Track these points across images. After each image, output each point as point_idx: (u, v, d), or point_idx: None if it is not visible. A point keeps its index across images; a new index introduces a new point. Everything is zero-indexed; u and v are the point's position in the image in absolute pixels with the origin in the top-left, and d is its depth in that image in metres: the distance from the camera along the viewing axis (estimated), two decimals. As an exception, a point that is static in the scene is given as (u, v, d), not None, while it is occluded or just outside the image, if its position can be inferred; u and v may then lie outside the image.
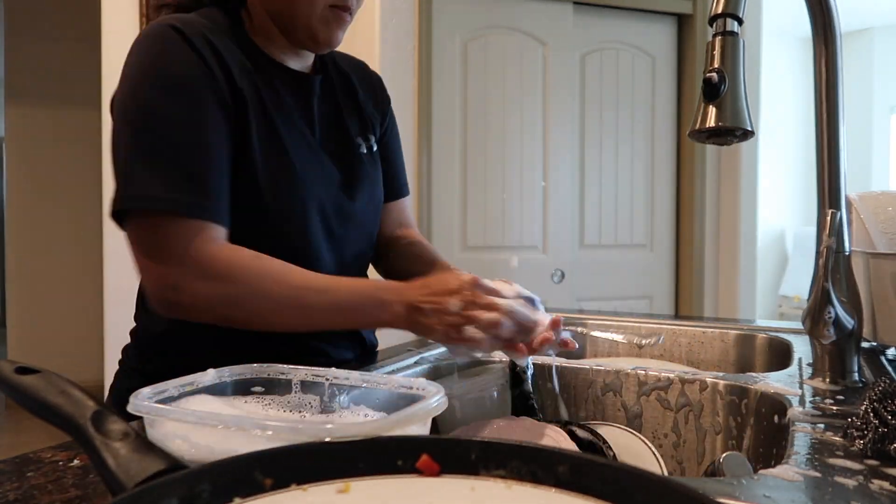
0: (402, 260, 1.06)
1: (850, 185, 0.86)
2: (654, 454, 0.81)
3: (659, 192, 3.15)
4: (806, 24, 0.85)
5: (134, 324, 0.98)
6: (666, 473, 0.80)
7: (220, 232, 0.80)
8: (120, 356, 1.00)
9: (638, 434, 0.85)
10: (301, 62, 0.96)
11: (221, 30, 0.88)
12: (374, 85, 1.09)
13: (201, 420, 0.49)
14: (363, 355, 1.03)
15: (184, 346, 0.89)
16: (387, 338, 1.09)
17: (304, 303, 0.78)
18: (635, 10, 3.06)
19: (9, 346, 4.38)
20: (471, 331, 0.72)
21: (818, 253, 0.80)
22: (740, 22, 0.75)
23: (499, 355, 1.04)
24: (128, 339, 0.99)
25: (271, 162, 0.86)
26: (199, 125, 0.80)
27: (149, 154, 0.78)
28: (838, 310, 0.79)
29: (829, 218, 0.81)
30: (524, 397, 0.87)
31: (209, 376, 0.61)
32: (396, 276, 0.98)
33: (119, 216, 0.80)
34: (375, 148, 1.03)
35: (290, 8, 0.87)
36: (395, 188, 1.11)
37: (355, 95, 1.03)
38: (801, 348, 1.05)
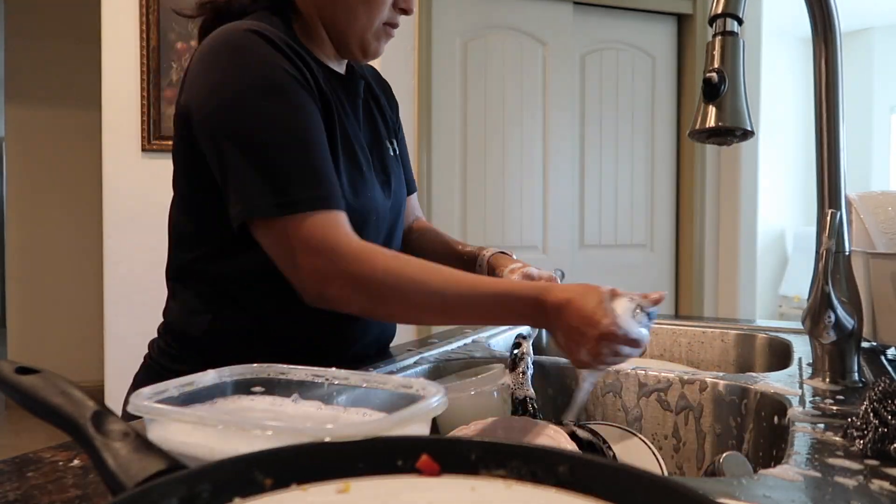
0: (421, 246, 1.14)
1: (850, 185, 0.86)
2: (654, 454, 0.81)
3: (659, 192, 3.15)
4: (806, 24, 0.85)
5: (162, 318, 0.98)
6: (666, 473, 0.80)
7: (346, 220, 0.83)
8: (146, 350, 0.99)
9: (638, 434, 0.85)
10: (340, 68, 0.99)
11: (283, 35, 0.88)
12: (387, 91, 1.14)
13: (201, 420, 0.49)
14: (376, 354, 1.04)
15: (222, 350, 0.89)
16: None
17: (446, 306, 0.80)
18: (635, 10, 3.06)
19: (9, 346, 4.38)
20: (598, 366, 0.74)
21: (818, 254, 0.80)
22: (740, 22, 0.75)
23: (499, 354, 1.04)
24: (129, 339, 0.99)
25: (347, 162, 0.90)
26: (307, 125, 0.82)
27: (270, 161, 0.79)
28: (838, 310, 0.79)
29: (829, 218, 0.81)
30: (524, 397, 0.87)
31: (209, 376, 0.61)
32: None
33: (245, 225, 0.82)
34: (398, 150, 1.09)
35: (349, 21, 0.90)
36: (408, 184, 1.16)
37: (379, 100, 1.07)
38: (801, 348, 1.05)
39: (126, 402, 0.92)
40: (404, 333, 2.46)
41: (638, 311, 0.74)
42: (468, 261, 1.07)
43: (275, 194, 0.79)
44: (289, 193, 0.79)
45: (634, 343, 0.72)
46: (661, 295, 0.76)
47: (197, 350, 0.92)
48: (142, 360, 0.99)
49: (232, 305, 0.91)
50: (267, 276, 0.84)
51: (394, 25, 0.94)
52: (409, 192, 1.17)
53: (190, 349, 0.93)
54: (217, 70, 0.82)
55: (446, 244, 1.13)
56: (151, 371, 0.95)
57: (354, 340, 0.97)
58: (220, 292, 0.91)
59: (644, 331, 0.73)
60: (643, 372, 0.96)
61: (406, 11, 0.94)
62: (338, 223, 0.80)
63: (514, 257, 1.03)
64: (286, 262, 0.81)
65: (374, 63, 1.08)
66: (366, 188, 0.93)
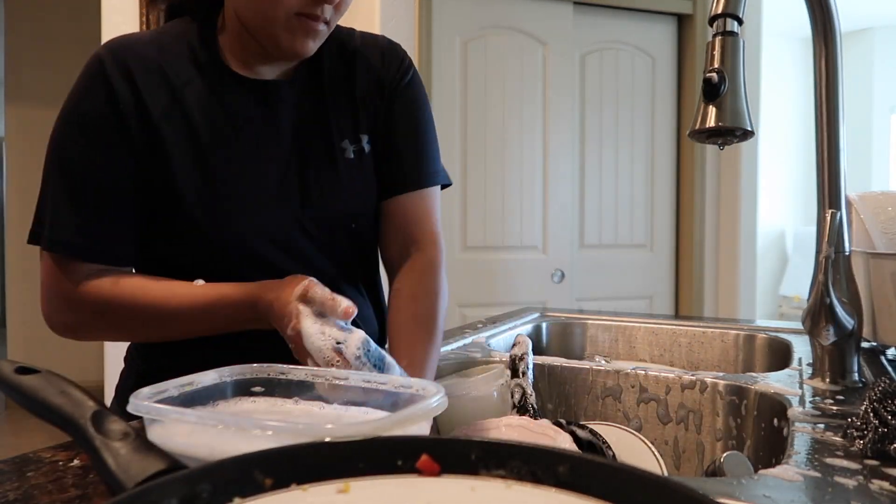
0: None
1: (850, 185, 0.86)
2: (654, 454, 0.81)
3: (659, 192, 3.15)
4: (806, 24, 0.85)
5: None
6: (666, 473, 0.80)
7: (95, 270, 0.84)
8: (124, 354, 0.99)
9: (638, 434, 0.85)
10: (280, 68, 0.90)
11: (174, 46, 0.87)
12: (385, 60, 0.96)
13: (201, 420, 0.49)
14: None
15: (186, 350, 0.89)
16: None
17: (161, 320, 0.82)
18: (635, 10, 3.06)
19: (9, 346, 4.38)
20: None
21: (818, 257, 0.80)
22: (740, 22, 0.75)
23: (499, 355, 1.04)
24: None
25: (196, 193, 0.85)
26: (95, 164, 0.83)
27: (53, 191, 0.83)
28: (838, 310, 0.79)
29: (828, 219, 0.81)
30: (524, 397, 0.87)
31: (209, 376, 0.61)
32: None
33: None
34: (368, 151, 0.93)
35: (255, 15, 0.82)
36: (415, 174, 0.95)
37: (351, 88, 0.93)
38: (801, 348, 1.05)
39: (110, 408, 0.92)
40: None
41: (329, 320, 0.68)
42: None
43: (47, 228, 0.83)
44: (55, 232, 0.82)
45: (310, 354, 0.66)
46: (347, 309, 0.68)
47: (161, 352, 0.91)
48: None
49: None
50: (196, 270, 0.84)
51: (311, 17, 0.80)
52: (409, 189, 0.95)
53: (155, 350, 0.93)
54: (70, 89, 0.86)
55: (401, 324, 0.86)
56: (126, 373, 0.98)
57: None
58: None
59: (320, 343, 0.66)
60: (643, 372, 0.96)
61: (326, 0, 0.80)
62: (78, 273, 0.83)
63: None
64: (41, 292, 0.86)
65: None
66: (245, 213, 0.86)
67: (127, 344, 0.99)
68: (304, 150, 0.90)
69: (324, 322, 0.68)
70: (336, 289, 0.73)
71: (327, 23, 0.83)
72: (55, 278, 0.83)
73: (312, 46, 0.84)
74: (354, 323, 0.72)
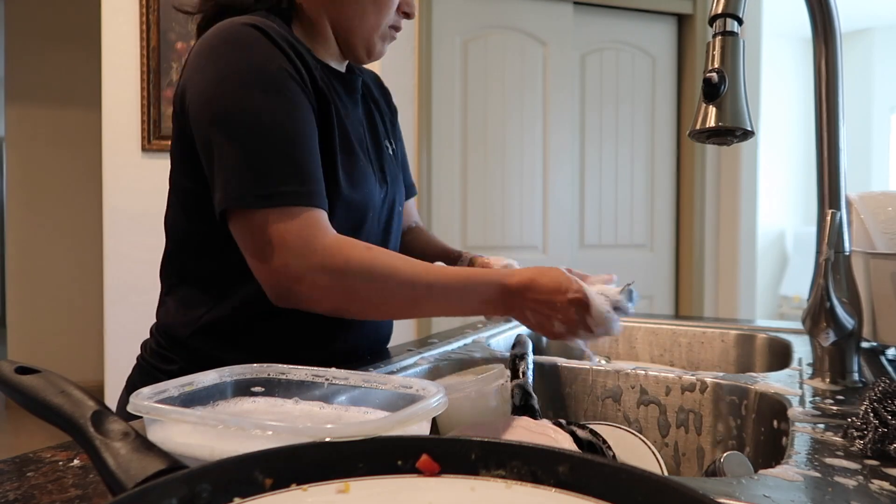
0: (412, 247, 1.16)
1: (850, 185, 0.86)
2: (654, 454, 0.80)
3: (659, 192, 3.15)
4: (806, 24, 0.85)
5: (155, 320, 0.98)
6: (666, 473, 0.80)
7: (326, 219, 0.83)
8: (139, 351, 0.99)
9: (638, 434, 0.85)
10: (340, 67, 1.00)
11: (282, 31, 0.88)
12: (386, 96, 1.15)
13: (201, 420, 0.49)
14: (377, 352, 1.03)
15: (209, 349, 0.89)
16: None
17: (416, 295, 0.81)
18: (635, 10, 3.06)
19: (9, 346, 4.38)
20: (569, 339, 0.80)
21: (818, 256, 0.80)
22: (740, 22, 0.75)
23: (499, 355, 1.04)
24: (129, 338, 0.99)
25: (345, 157, 0.90)
26: (297, 122, 0.82)
27: (256, 153, 0.80)
28: (838, 310, 0.79)
29: (829, 219, 0.81)
30: (524, 397, 0.87)
31: (209, 376, 0.61)
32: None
33: (226, 214, 0.81)
34: (396, 152, 1.09)
35: (359, 21, 0.92)
36: (407, 188, 1.17)
37: (378, 103, 1.09)
38: (801, 348, 1.05)
39: (119, 402, 0.92)
40: (403, 334, 2.46)
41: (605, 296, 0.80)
42: (453, 260, 1.13)
43: (256, 186, 0.78)
44: (270, 186, 0.78)
45: (602, 317, 0.77)
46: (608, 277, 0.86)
47: (186, 350, 0.92)
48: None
49: (221, 304, 0.90)
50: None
51: (397, 28, 0.97)
52: (408, 196, 1.18)
53: (179, 349, 0.92)
54: (214, 63, 0.82)
55: (434, 244, 1.17)
56: (144, 372, 0.95)
57: (346, 337, 0.96)
58: (209, 290, 0.91)
59: (606, 308, 0.78)
60: (643, 372, 0.96)
61: (409, 16, 0.97)
62: (316, 221, 0.80)
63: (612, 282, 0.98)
64: (257, 256, 0.80)
65: (374, 63, 1.09)
66: (364, 182, 0.93)
67: (141, 341, 0.99)
68: (367, 140, 1.00)
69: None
70: None
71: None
72: (302, 234, 0.79)
73: (386, 51, 0.99)
74: None
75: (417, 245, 1.18)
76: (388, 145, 1.06)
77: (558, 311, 0.78)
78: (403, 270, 0.81)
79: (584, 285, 0.79)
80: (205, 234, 0.89)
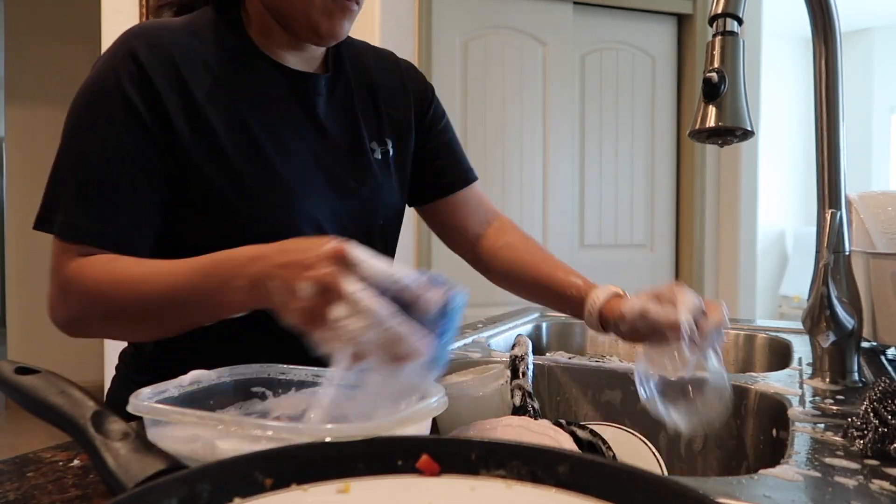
0: (507, 269, 0.99)
1: (850, 185, 0.86)
2: (654, 454, 0.80)
3: (659, 192, 3.15)
4: (806, 24, 0.85)
5: None
6: (666, 473, 0.80)
7: (97, 253, 0.76)
8: (117, 361, 0.98)
9: (638, 434, 0.85)
10: (306, 61, 0.91)
11: (207, 33, 0.84)
12: (402, 76, 1.02)
13: (201, 420, 0.49)
14: None
15: (176, 362, 0.84)
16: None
17: (140, 295, 0.71)
18: (635, 10, 3.06)
19: (9, 346, 4.37)
20: (328, 329, 0.53)
21: (818, 257, 0.80)
22: (740, 22, 0.75)
23: (499, 355, 1.04)
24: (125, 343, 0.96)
25: (251, 178, 0.82)
26: (119, 148, 0.77)
27: (63, 173, 0.78)
28: (838, 310, 0.79)
29: (828, 218, 0.81)
30: (524, 397, 0.87)
31: (209, 376, 0.61)
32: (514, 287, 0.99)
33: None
34: (392, 154, 0.97)
35: (291, 3, 0.82)
36: (459, 173, 1.06)
37: (374, 94, 0.97)
38: (801, 348, 1.05)
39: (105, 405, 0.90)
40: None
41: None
42: (572, 302, 0.88)
43: (43, 209, 0.77)
44: (52, 211, 0.76)
45: (369, 276, 0.53)
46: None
47: (153, 363, 0.89)
48: None
49: None
50: None
51: None
52: (465, 183, 1.05)
53: (147, 362, 0.90)
54: (90, 70, 0.81)
55: (539, 272, 0.94)
56: (121, 382, 0.93)
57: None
58: None
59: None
60: (643, 372, 0.96)
61: None
62: (70, 250, 0.75)
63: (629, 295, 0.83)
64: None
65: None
66: (287, 200, 0.84)
67: (120, 348, 0.97)
68: (336, 145, 0.91)
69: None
70: None
71: (358, 3, 0.84)
72: (58, 267, 0.76)
73: (347, 28, 0.85)
74: None
75: (517, 269, 0.98)
76: (376, 148, 0.95)
77: (307, 269, 0.54)
78: (127, 279, 0.72)
79: (339, 247, 0.54)
80: (165, 245, 0.83)
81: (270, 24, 0.86)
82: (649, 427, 0.94)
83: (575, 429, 0.78)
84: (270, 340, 0.72)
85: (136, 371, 0.92)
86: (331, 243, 0.55)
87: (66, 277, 0.75)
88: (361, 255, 0.54)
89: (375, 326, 0.51)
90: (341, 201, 0.89)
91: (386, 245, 0.98)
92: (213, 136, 0.80)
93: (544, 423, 0.75)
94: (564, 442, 0.72)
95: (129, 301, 0.72)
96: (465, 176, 1.07)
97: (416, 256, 2.60)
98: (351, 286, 0.52)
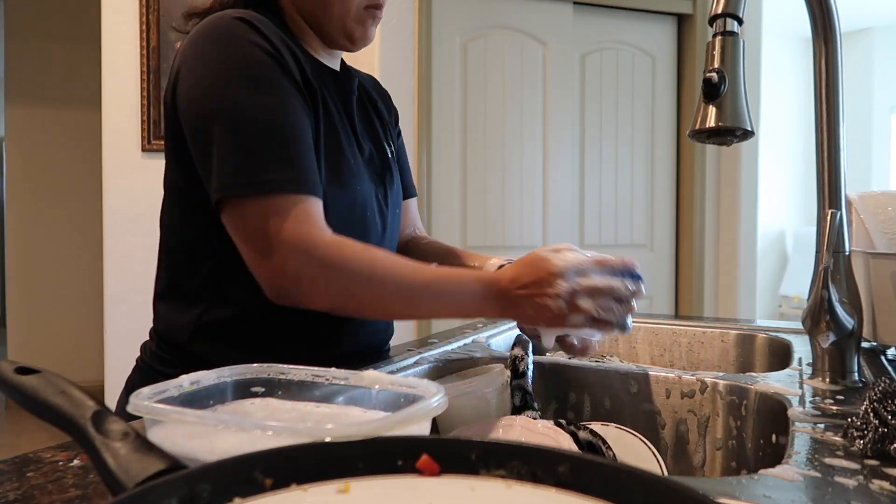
0: (425, 257, 1.11)
1: (850, 185, 0.86)
2: (654, 454, 0.80)
3: (659, 192, 3.15)
4: (806, 24, 0.85)
5: (152, 323, 0.97)
6: (666, 474, 0.80)
7: (321, 210, 0.82)
8: (138, 353, 0.98)
9: (638, 434, 0.85)
10: (333, 63, 0.98)
11: (273, 26, 0.87)
12: (386, 99, 1.13)
13: (201, 420, 0.49)
14: (374, 353, 1.03)
15: (208, 355, 0.87)
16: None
17: (412, 294, 0.80)
18: (635, 10, 3.06)
19: (9, 346, 4.37)
20: (575, 319, 0.76)
21: (818, 257, 0.80)
22: (740, 22, 0.75)
23: (499, 354, 1.04)
24: (129, 339, 0.98)
25: (331, 160, 0.88)
26: (287, 114, 0.81)
27: (247, 145, 0.79)
28: (838, 310, 0.79)
29: (828, 219, 0.81)
30: (524, 397, 0.87)
31: (209, 376, 0.61)
32: None
33: (220, 206, 0.80)
34: (395, 153, 1.07)
35: (323, 11, 0.90)
36: (406, 188, 1.16)
37: (376, 104, 1.07)
38: (801, 348, 1.05)
39: (119, 403, 0.91)
40: (403, 334, 2.46)
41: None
42: (453, 261, 1.08)
43: (247, 174, 0.77)
44: (261, 174, 0.77)
45: (589, 271, 0.76)
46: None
47: (185, 354, 0.90)
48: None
49: (218, 305, 0.89)
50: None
51: (377, 6, 0.91)
52: (407, 196, 1.17)
53: (178, 353, 0.91)
54: (203, 57, 0.82)
55: (454, 255, 1.10)
56: (144, 374, 0.94)
57: (347, 339, 0.95)
58: (206, 290, 0.89)
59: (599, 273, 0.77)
60: (643, 373, 0.96)
61: None
62: (311, 213, 0.79)
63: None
64: (254, 251, 0.79)
65: (374, 61, 1.09)
66: (353, 180, 0.91)
67: (141, 341, 0.98)
68: (365, 141, 0.99)
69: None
70: None
71: (383, 9, 0.93)
72: (298, 228, 0.77)
73: (374, 33, 0.94)
74: None
75: (433, 256, 1.13)
76: (387, 146, 1.05)
77: (548, 286, 0.75)
78: (400, 270, 0.80)
79: (568, 254, 0.78)
80: (200, 233, 0.88)
81: (304, 28, 0.93)
82: (649, 428, 0.94)
83: (575, 429, 0.78)
84: (301, 335, 0.90)
85: (161, 363, 0.93)
86: (554, 258, 0.77)
87: (326, 246, 0.78)
88: (570, 256, 0.78)
89: (613, 293, 0.77)
90: (378, 186, 0.98)
91: (395, 231, 1.07)
92: (312, 107, 0.86)
93: (545, 423, 0.75)
94: (564, 442, 0.72)
95: (399, 293, 0.80)
96: (410, 191, 1.18)
97: (416, 256, 2.61)
98: (585, 281, 0.76)
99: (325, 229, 0.80)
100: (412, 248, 1.15)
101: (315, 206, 0.80)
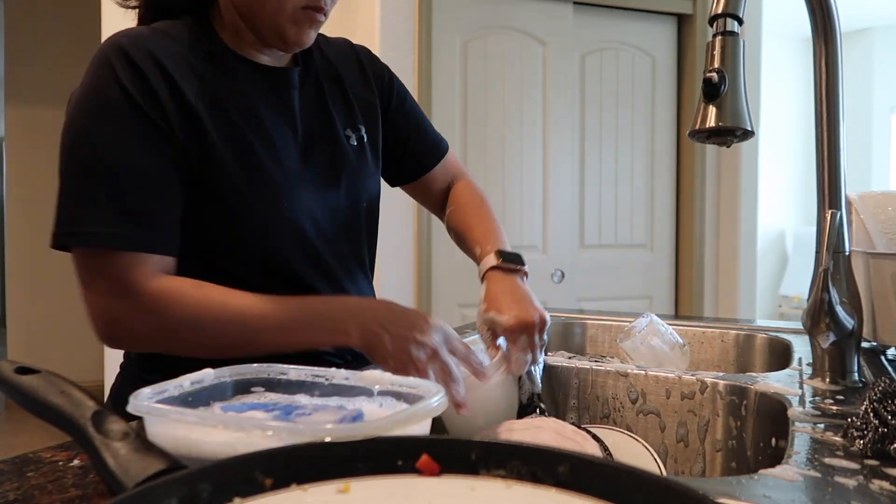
0: (449, 227, 1.12)
1: (850, 185, 0.86)
2: (654, 457, 0.80)
3: (659, 192, 3.15)
4: (806, 24, 0.85)
5: None
6: (665, 475, 0.80)
7: (160, 261, 0.79)
8: (122, 358, 0.98)
9: (637, 437, 0.85)
10: (277, 59, 0.94)
11: (182, 37, 0.86)
12: (362, 62, 1.06)
13: (201, 420, 0.49)
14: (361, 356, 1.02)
15: (184, 358, 0.87)
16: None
17: (246, 334, 0.78)
18: (635, 10, 3.06)
19: (9, 346, 4.38)
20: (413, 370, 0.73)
21: (818, 257, 0.80)
22: (740, 22, 0.75)
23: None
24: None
25: (244, 177, 0.84)
26: (131, 151, 0.78)
27: (83, 186, 0.78)
28: (838, 310, 0.79)
29: (828, 219, 0.81)
30: (531, 398, 0.87)
31: (209, 376, 0.61)
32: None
33: (62, 247, 0.80)
34: (366, 139, 1.01)
35: (258, 8, 0.85)
36: (433, 150, 1.13)
37: (341, 83, 1.00)
38: (801, 348, 1.05)
39: (107, 401, 0.90)
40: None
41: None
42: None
43: (78, 224, 0.77)
44: (90, 226, 0.76)
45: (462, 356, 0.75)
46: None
47: (165, 358, 0.87)
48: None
49: None
50: (217, 279, 0.81)
51: (317, 9, 0.85)
52: (439, 157, 1.13)
53: (159, 357, 0.89)
54: (80, 84, 0.81)
55: (462, 239, 1.08)
56: (127, 379, 0.94)
57: (334, 349, 0.94)
58: None
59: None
60: (643, 372, 0.96)
61: None
62: (137, 264, 0.77)
63: (522, 264, 1.02)
64: (84, 291, 0.79)
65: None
66: (279, 199, 0.87)
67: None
68: (313, 136, 0.94)
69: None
70: (349, 270, 0.96)
71: (326, 14, 0.87)
72: (119, 276, 0.76)
73: (313, 36, 0.89)
74: None
75: (452, 232, 1.11)
76: (353, 133, 0.99)
77: (416, 331, 0.73)
78: (233, 310, 0.77)
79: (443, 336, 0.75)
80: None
81: (241, 27, 0.89)
82: (649, 428, 0.94)
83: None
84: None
85: (141, 368, 0.92)
86: (434, 319, 0.76)
87: (149, 294, 0.77)
88: (450, 331, 0.77)
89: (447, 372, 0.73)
90: (326, 191, 0.93)
91: (370, 229, 1.03)
92: (204, 135, 0.83)
93: (572, 427, 0.75)
94: (590, 447, 0.72)
95: (231, 332, 0.78)
96: (436, 153, 1.14)
97: (416, 256, 2.60)
98: (446, 356, 0.73)
99: (151, 277, 0.78)
100: (452, 213, 1.12)
101: (143, 259, 0.78)
